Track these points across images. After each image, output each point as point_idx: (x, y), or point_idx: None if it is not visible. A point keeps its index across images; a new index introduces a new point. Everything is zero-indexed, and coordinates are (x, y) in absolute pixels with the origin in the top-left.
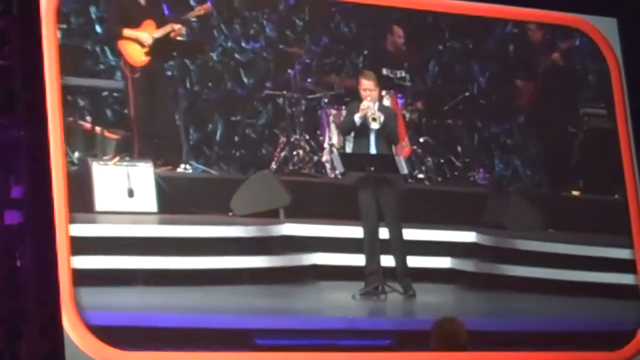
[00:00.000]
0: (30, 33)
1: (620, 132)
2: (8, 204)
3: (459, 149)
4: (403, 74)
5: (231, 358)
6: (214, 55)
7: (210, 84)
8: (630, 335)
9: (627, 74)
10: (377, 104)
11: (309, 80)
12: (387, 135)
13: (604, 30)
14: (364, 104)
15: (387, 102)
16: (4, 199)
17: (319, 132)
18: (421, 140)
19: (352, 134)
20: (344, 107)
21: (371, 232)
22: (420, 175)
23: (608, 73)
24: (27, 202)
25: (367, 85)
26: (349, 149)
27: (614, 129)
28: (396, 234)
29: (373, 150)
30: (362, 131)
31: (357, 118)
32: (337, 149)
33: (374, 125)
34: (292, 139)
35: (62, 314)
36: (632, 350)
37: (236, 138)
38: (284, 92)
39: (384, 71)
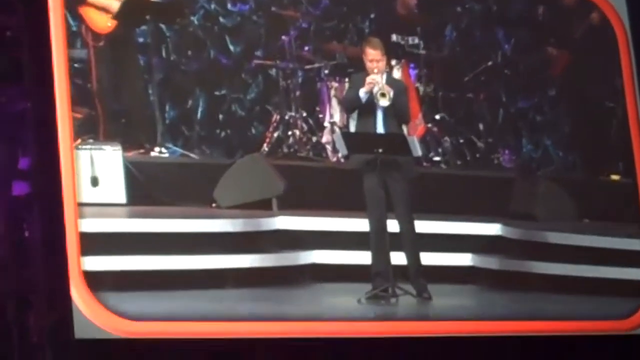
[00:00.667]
0: (36, 3)
1: (629, 107)
2: (16, 175)
3: (481, 127)
4: (416, 41)
5: (244, 327)
6: (194, 19)
7: (189, 52)
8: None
9: (635, 46)
10: (385, 77)
11: (306, 48)
12: (397, 112)
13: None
14: (371, 77)
15: (397, 73)
16: (11, 170)
17: (318, 109)
18: (437, 117)
19: (357, 111)
20: (347, 80)
21: (379, 225)
22: (437, 158)
23: (617, 45)
24: (34, 173)
25: (373, 55)
26: (353, 128)
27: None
28: (408, 226)
29: (381, 129)
30: (369, 108)
31: (362, 93)
32: (340, 128)
33: (383, 102)
34: (286, 117)
35: (70, 284)
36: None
37: (221, 116)
38: (277, 61)
39: (394, 37)
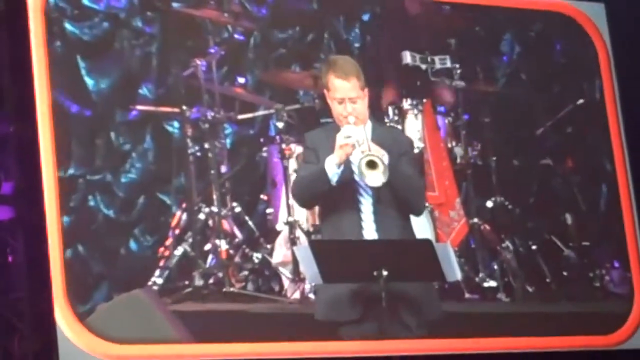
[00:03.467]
0: (17, 28)
1: (610, 120)
2: None
3: (569, 220)
4: (447, 63)
5: (231, 349)
6: None
7: None
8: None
9: (616, 60)
10: (370, 128)
11: (239, 80)
12: (400, 195)
13: (592, 16)
14: (344, 133)
15: (415, 122)
16: None
17: (263, 198)
18: (489, 204)
19: (325, 201)
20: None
21: None
22: (490, 283)
23: (597, 60)
24: (17, 197)
25: (344, 89)
26: (327, 231)
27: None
28: None
29: (372, 231)
30: (346, 194)
31: (330, 166)
32: (306, 232)
33: (372, 179)
34: (201, 214)
35: (55, 308)
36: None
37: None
38: (183, 107)
39: (407, 57)
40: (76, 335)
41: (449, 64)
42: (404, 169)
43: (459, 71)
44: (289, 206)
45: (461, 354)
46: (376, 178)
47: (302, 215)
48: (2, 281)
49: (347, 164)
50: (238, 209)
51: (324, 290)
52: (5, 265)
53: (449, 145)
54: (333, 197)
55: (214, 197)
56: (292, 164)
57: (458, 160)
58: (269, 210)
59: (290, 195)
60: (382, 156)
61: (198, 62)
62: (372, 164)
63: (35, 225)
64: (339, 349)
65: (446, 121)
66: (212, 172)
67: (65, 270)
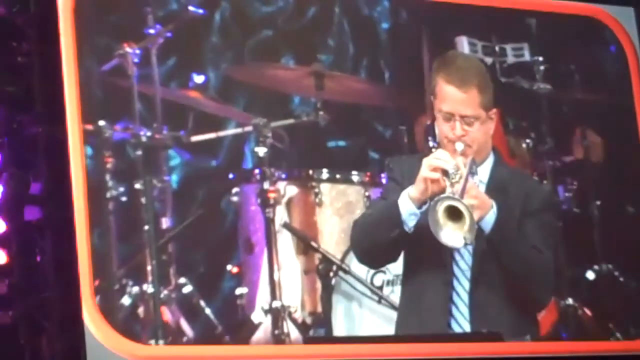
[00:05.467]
0: (48, 29)
1: None
2: (28, 200)
3: None
4: (524, 54)
5: (256, 351)
6: None
7: None
8: None
9: None
10: (489, 165)
11: (195, 80)
12: (513, 280)
13: (621, 19)
14: (433, 158)
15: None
16: (23, 195)
17: (232, 269)
18: (590, 275)
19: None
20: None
21: None
22: None
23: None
24: (46, 197)
25: (453, 98)
26: (403, 312)
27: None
28: None
29: (464, 321)
30: (434, 249)
31: (405, 202)
32: (300, 325)
33: (449, 234)
34: (126, 295)
35: (83, 309)
36: None
37: None
38: (99, 123)
39: (464, 45)
40: (104, 334)
41: (527, 57)
42: (525, 239)
43: (542, 68)
44: (274, 283)
45: None
46: (453, 236)
47: (295, 298)
48: (31, 281)
49: (430, 202)
50: (188, 289)
51: None
52: (34, 266)
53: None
54: (414, 253)
55: (149, 268)
56: (281, 214)
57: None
58: (240, 291)
59: (351, 242)
60: (479, 206)
61: (127, 49)
62: (454, 213)
63: (64, 225)
64: None
65: (524, 145)
66: (147, 227)
67: (93, 270)
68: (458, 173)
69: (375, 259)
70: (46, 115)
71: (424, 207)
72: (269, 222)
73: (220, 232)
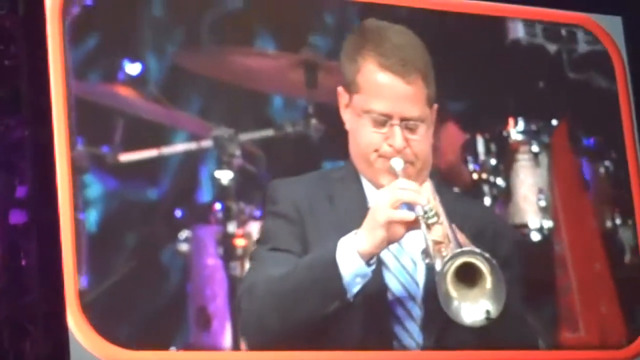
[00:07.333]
0: (35, 33)
1: (625, 131)
2: (13, 204)
3: None
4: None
5: (242, 357)
6: None
7: None
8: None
9: (633, 73)
10: (429, 188)
11: (126, 69)
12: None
13: (608, 28)
14: (398, 189)
15: (534, 168)
16: (8, 199)
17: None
18: None
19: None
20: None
21: None
22: None
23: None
24: (31, 201)
25: (390, 90)
26: None
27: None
28: None
29: None
30: (381, 322)
31: (351, 258)
32: None
33: (470, 308)
34: None
35: (67, 313)
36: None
37: None
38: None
39: (519, 28)
40: (88, 339)
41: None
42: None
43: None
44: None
45: None
46: (472, 309)
47: None
48: (15, 284)
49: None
50: None
51: None
52: (19, 269)
53: (608, 223)
54: (352, 329)
55: None
56: (232, 270)
57: (627, 258)
58: None
59: (246, 323)
60: (483, 257)
61: None
62: (467, 273)
63: (49, 229)
64: None
65: (602, 170)
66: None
67: (77, 274)
68: (433, 209)
69: (294, 345)
70: (33, 119)
71: (374, 265)
72: (235, 283)
73: (160, 298)
